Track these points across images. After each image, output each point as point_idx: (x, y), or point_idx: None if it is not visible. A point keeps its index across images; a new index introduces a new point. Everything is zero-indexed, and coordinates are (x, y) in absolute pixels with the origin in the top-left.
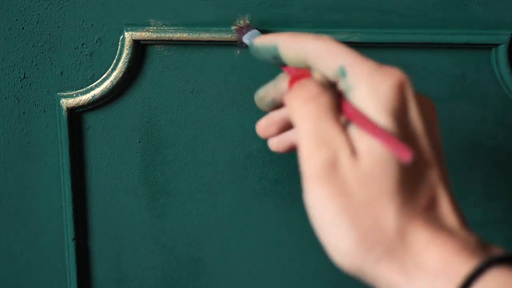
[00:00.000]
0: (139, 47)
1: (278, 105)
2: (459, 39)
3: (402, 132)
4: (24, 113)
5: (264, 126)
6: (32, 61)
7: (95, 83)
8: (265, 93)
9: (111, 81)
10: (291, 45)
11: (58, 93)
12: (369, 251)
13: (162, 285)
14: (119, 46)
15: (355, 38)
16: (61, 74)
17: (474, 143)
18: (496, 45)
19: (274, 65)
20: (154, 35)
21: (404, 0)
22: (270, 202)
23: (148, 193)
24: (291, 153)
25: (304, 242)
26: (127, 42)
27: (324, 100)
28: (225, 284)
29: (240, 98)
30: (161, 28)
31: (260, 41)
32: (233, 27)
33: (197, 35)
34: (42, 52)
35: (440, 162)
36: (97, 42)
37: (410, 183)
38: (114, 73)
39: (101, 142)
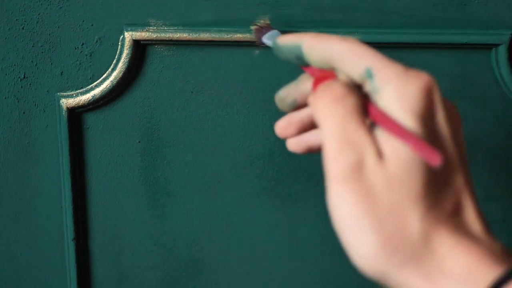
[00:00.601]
0: (139, 47)
1: (298, 106)
2: (459, 39)
3: (429, 135)
4: (24, 113)
5: (283, 126)
6: (32, 61)
7: (95, 83)
8: (286, 94)
9: (111, 81)
10: (316, 46)
11: (58, 93)
12: (392, 255)
13: (162, 285)
14: (119, 46)
15: None
16: (61, 74)
17: (474, 143)
18: (496, 45)
19: (295, 66)
20: (154, 35)
21: (404, 0)
22: (270, 202)
23: (148, 193)
24: (291, 154)
25: (303, 242)
26: (127, 42)
27: (350, 102)
28: (225, 284)
29: (240, 98)
30: (161, 28)
31: (283, 41)
32: (252, 27)
33: (197, 35)
34: (42, 52)
35: (465, 167)
36: (97, 42)
37: (435, 188)
38: (114, 73)
39: (101, 142)
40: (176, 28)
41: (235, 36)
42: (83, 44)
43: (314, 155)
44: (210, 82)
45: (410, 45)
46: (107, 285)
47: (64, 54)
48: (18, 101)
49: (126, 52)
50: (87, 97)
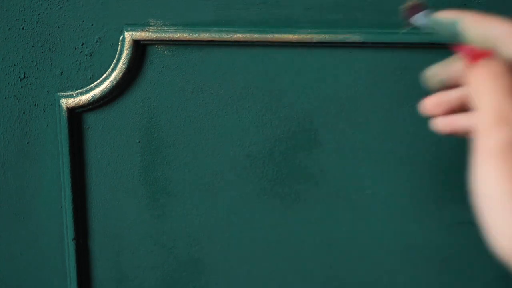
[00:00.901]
0: (139, 47)
1: (446, 86)
2: None
3: None
4: (24, 113)
5: (432, 103)
6: (32, 61)
7: (95, 83)
8: (434, 73)
9: (111, 81)
10: (479, 24)
11: (58, 93)
12: None
13: (162, 285)
14: (119, 46)
15: (355, 38)
16: (61, 74)
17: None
18: None
19: (448, 44)
20: (154, 35)
21: (404, 0)
22: (270, 202)
23: (148, 193)
24: (291, 154)
25: (303, 242)
26: (127, 42)
27: (510, 80)
28: (225, 284)
29: (240, 98)
30: (161, 28)
31: (442, 16)
32: (403, 6)
33: (197, 35)
34: (42, 52)
35: None
36: (97, 42)
37: None
38: (114, 73)
39: (101, 142)
40: (176, 28)
41: (235, 36)
42: (83, 44)
43: (312, 155)
44: (210, 82)
45: (410, 45)
46: (107, 285)
47: (64, 54)
48: (18, 101)
49: (126, 52)
50: (87, 97)
